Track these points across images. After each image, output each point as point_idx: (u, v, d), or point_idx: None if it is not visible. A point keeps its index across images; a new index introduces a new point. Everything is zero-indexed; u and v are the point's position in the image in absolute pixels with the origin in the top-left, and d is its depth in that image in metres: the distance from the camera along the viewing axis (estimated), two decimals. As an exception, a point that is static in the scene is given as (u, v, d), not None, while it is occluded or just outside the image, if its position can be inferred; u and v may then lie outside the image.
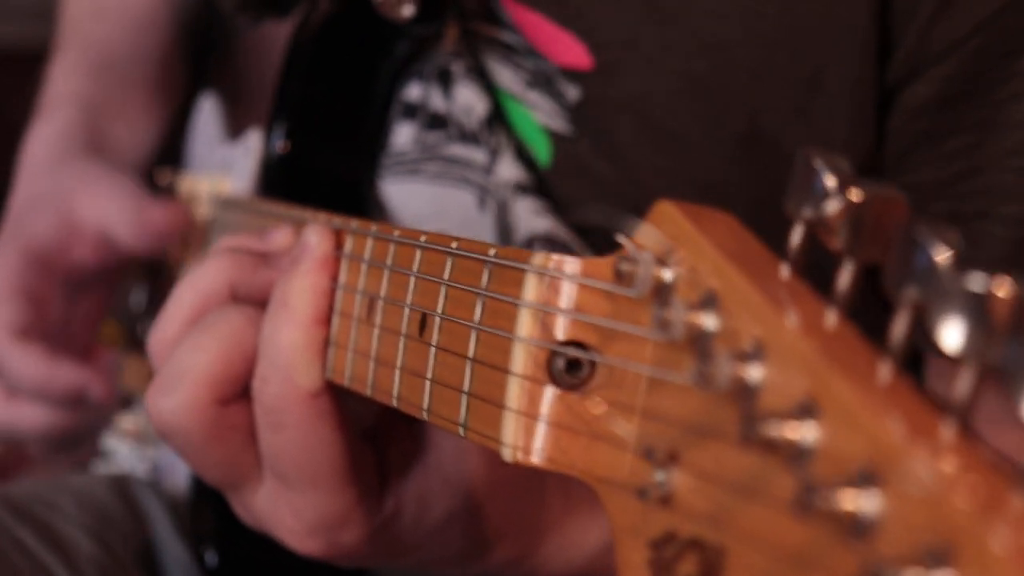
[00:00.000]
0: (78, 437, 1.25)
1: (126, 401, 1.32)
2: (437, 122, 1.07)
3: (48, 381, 1.16)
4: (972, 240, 0.92)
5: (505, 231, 1.03)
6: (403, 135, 1.08)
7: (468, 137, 1.05)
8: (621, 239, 0.56)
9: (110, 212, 1.18)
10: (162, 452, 1.28)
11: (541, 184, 1.04)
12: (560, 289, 0.60)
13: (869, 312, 0.54)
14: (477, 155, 1.05)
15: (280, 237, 0.88)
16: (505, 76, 1.04)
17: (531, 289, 0.61)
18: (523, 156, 1.04)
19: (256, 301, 0.83)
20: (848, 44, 0.95)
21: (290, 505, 0.82)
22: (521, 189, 1.03)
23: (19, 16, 2.48)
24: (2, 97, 1.87)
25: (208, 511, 1.10)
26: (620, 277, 0.56)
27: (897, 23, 0.94)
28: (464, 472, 0.85)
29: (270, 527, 0.85)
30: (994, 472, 0.42)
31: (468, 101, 1.05)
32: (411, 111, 1.08)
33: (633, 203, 0.99)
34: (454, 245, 0.69)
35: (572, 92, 1.01)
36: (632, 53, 0.99)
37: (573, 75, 1.01)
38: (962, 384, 0.44)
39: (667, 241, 0.54)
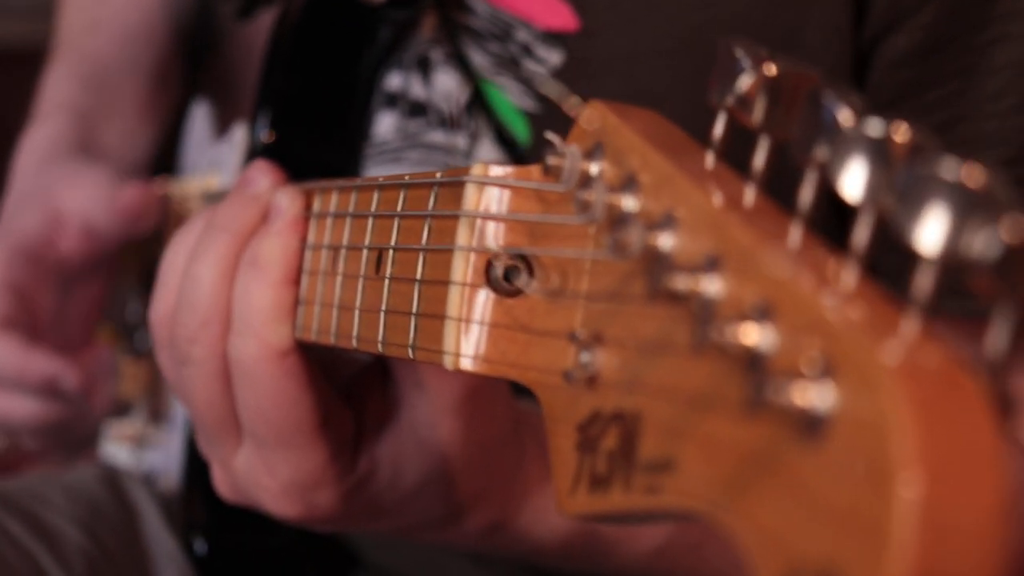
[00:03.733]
0: (74, 436, 1.26)
1: (123, 408, 1.33)
2: (417, 110, 1.08)
3: (21, 370, 1.17)
4: None
5: None
6: (385, 124, 1.09)
7: (448, 123, 1.06)
8: (548, 135, 0.57)
9: (89, 201, 1.20)
10: (157, 456, 1.28)
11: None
12: (493, 195, 0.61)
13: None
14: (457, 140, 1.06)
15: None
16: (477, 60, 1.06)
17: (469, 199, 0.62)
18: (503, 139, 1.05)
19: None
20: None
21: (265, 464, 0.83)
22: None
23: (19, 16, 2.51)
24: (2, 97, 1.90)
25: (198, 501, 1.10)
26: (548, 173, 0.57)
27: None
28: (439, 435, 0.85)
29: (248, 488, 0.85)
30: (887, 303, 0.43)
31: (447, 87, 1.06)
32: (392, 100, 1.09)
33: None
34: (406, 178, 0.70)
35: (554, 57, 1.02)
36: (616, 13, 1.00)
37: (557, 38, 1.02)
38: (861, 230, 0.45)
39: (596, 131, 0.55)
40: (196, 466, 1.11)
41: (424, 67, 1.08)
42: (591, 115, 0.56)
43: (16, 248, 1.20)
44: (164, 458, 1.26)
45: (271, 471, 0.83)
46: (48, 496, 1.14)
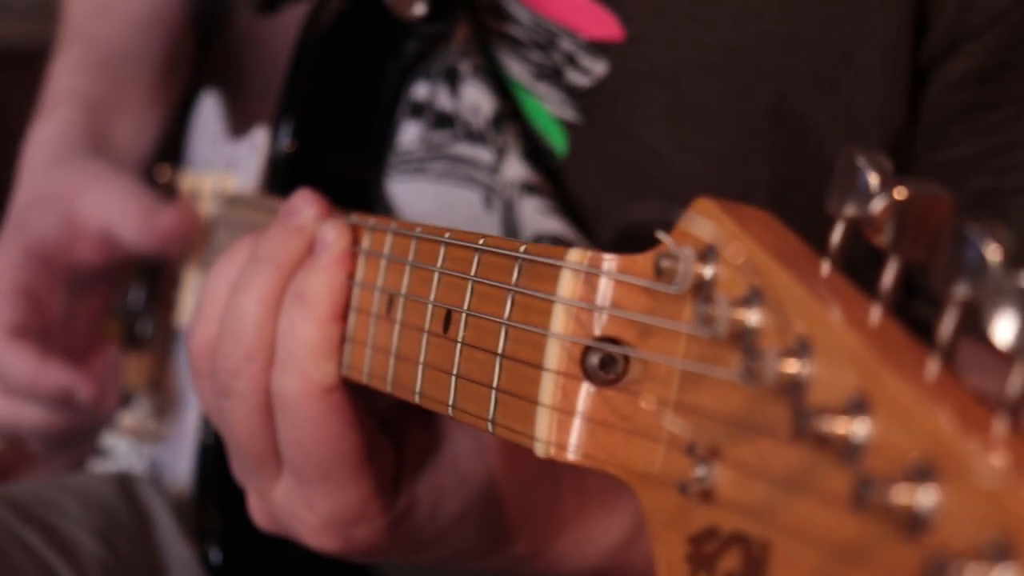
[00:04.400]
0: (79, 436, 1.25)
1: (124, 398, 1.32)
2: (443, 121, 1.07)
3: (36, 381, 1.16)
4: (1010, 215, 0.92)
5: (511, 230, 1.03)
6: (410, 134, 1.08)
7: (474, 136, 1.05)
8: (661, 235, 0.56)
9: (113, 212, 1.18)
10: (160, 450, 1.27)
11: (550, 183, 1.03)
12: (597, 285, 0.60)
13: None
14: (483, 154, 1.05)
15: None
16: (515, 69, 1.04)
17: (566, 285, 0.61)
18: (532, 154, 1.04)
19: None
20: (882, 16, 0.93)
21: (304, 497, 0.82)
22: (528, 189, 1.03)
23: (19, 16, 2.48)
24: (2, 97, 1.87)
25: (212, 509, 1.10)
26: (660, 274, 0.56)
27: None
28: (479, 468, 0.85)
29: (285, 520, 0.85)
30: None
31: (475, 100, 1.05)
32: (418, 110, 1.08)
33: (657, 182, 0.99)
34: (481, 242, 0.69)
35: (599, 67, 1.00)
36: (662, 24, 0.98)
37: (602, 48, 1.00)
38: (1015, 379, 0.45)
39: (712, 236, 0.54)
40: (210, 474, 1.10)
41: (452, 78, 1.06)
42: (705, 218, 0.56)
43: (30, 251, 1.18)
44: (172, 455, 1.25)
45: (310, 505, 0.83)
46: (62, 504, 1.13)
